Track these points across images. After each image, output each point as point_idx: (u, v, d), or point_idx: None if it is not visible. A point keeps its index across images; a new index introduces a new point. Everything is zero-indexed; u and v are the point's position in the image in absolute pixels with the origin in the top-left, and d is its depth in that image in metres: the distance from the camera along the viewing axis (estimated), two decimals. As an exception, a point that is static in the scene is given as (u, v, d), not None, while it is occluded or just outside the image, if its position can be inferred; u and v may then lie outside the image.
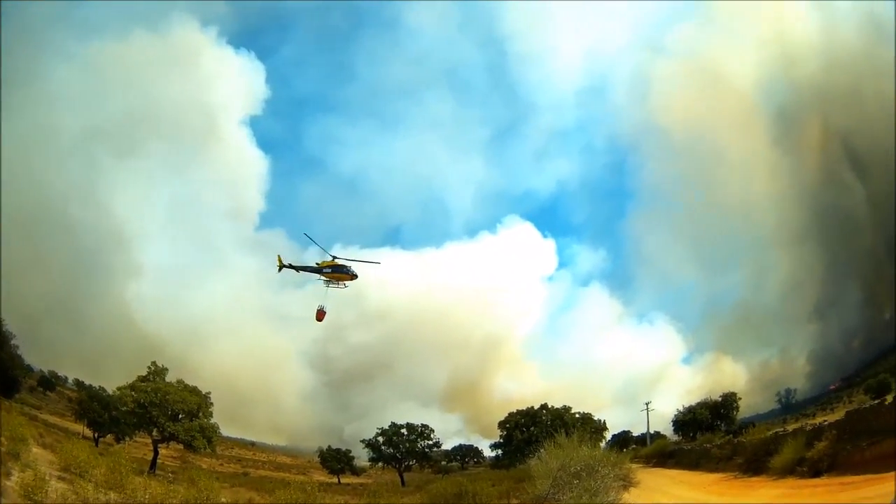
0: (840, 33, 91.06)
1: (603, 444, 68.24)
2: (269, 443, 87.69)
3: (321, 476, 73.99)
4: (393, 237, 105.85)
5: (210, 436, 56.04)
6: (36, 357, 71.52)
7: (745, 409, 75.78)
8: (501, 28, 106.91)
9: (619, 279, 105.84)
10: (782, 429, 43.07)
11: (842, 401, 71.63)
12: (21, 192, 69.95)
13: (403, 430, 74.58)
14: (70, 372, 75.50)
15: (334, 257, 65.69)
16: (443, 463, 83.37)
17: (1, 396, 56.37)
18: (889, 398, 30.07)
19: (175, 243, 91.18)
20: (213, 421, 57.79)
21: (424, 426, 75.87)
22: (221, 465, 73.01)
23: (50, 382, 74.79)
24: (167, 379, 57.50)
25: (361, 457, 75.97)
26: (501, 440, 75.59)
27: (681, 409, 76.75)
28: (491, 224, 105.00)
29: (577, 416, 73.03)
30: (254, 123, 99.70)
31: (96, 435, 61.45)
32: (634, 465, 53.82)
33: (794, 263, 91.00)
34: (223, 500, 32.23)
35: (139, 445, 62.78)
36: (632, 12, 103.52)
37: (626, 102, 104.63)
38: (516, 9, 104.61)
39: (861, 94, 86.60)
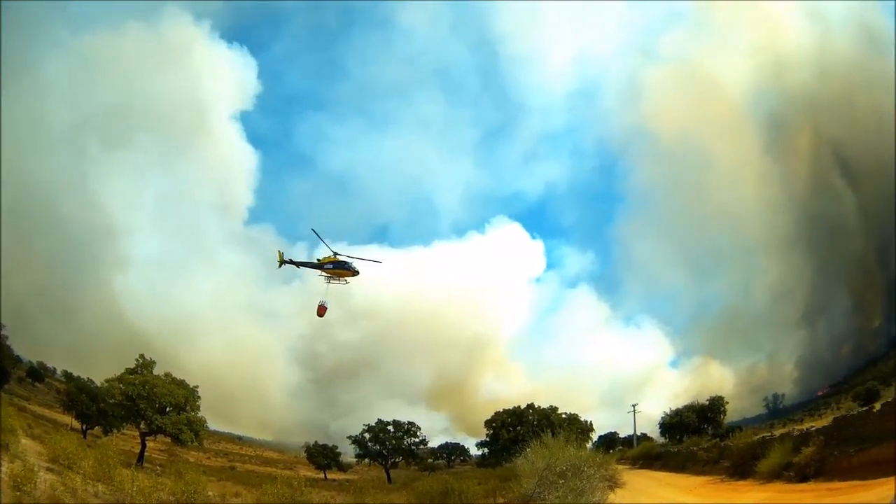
0: (833, 42, 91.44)
1: (589, 445, 68.55)
2: (256, 438, 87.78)
3: (308, 471, 73.98)
4: (381, 235, 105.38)
5: (197, 429, 55.83)
6: (24, 348, 71.58)
7: (732, 414, 75.91)
8: (493, 30, 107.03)
9: (606, 282, 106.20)
10: (770, 433, 43.42)
11: (830, 407, 72.30)
12: (10, 183, 69.62)
13: (390, 427, 74.54)
14: (58, 363, 75.32)
15: (336, 253, 65.77)
16: (429, 461, 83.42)
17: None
18: (877, 406, 30.22)
19: (163, 237, 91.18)
20: (200, 414, 57.70)
21: (411, 423, 75.93)
22: (209, 458, 72.85)
23: (38, 373, 74.54)
24: (155, 372, 57.40)
25: (348, 453, 76.00)
26: (488, 439, 75.69)
27: (668, 411, 76.80)
28: (479, 224, 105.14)
29: (563, 416, 73.22)
30: (244, 119, 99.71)
31: (84, 427, 61.14)
32: (620, 467, 54.32)
33: (783, 270, 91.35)
34: (210, 493, 32.31)
35: (127, 438, 62.75)
36: (624, 16, 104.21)
37: (617, 106, 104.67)
38: (508, 11, 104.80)
39: (853, 104, 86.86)
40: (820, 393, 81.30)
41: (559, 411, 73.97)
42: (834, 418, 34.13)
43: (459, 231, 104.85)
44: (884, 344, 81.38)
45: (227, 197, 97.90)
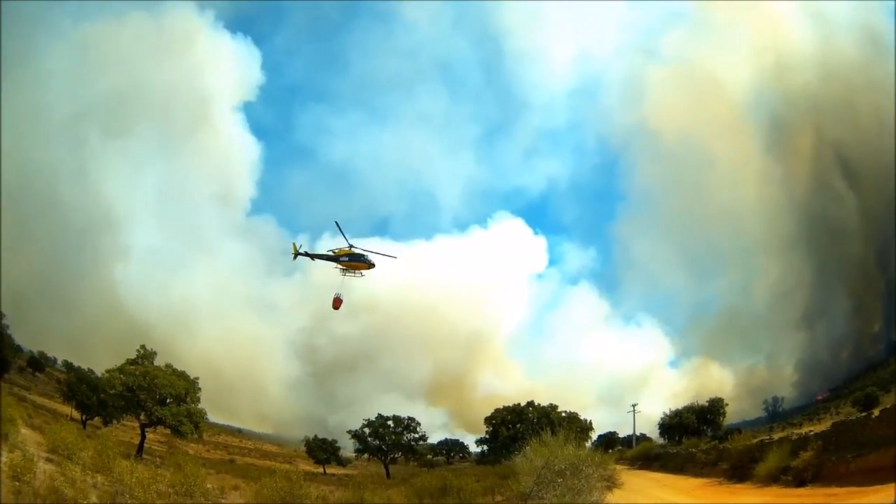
0: (836, 44, 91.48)
1: (588, 444, 68.48)
2: (256, 431, 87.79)
3: (307, 465, 73.93)
4: (381, 228, 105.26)
5: (197, 421, 55.82)
6: (25, 337, 71.57)
7: (731, 416, 75.91)
8: (496, 25, 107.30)
9: (607, 280, 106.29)
10: (768, 437, 43.33)
11: (829, 411, 72.25)
12: (11, 172, 69.51)
13: (390, 423, 74.47)
14: (58, 353, 75.36)
15: (352, 246, 65.70)
16: (428, 457, 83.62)
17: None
18: (876, 412, 30.16)
19: (164, 227, 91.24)
20: (200, 406, 57.69)
21: (411, 419, 75.83)
22: (208, 451, 73.00)
23: (39, 363, 74.58)
24: (155, 363, 57.33)
25: (347, 447, 76.04)
26: (487, 436, 75.64)
27: (667, 412, 76.80)
28: (481, 219, 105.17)
29: (563, 414, 73.12)
30: (246, 109, 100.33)
31: (84, 417, 61.25)
32: (619, 467, 54.30)
33: (783, 271, 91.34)
34: (209, 486, 32.32)
35: (126, 429, 62.83)
36: (626, 15, 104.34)
37: (618, 105, 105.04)
38: (511, 7, 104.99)
39: (855, 105, 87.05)
40: (819, 397, 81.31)
41: (559, 409, 73.90)
42: (832, 423, 34.10)
43: (461, 225, 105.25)
44: (883, 349, 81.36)
45: (228, 188, 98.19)
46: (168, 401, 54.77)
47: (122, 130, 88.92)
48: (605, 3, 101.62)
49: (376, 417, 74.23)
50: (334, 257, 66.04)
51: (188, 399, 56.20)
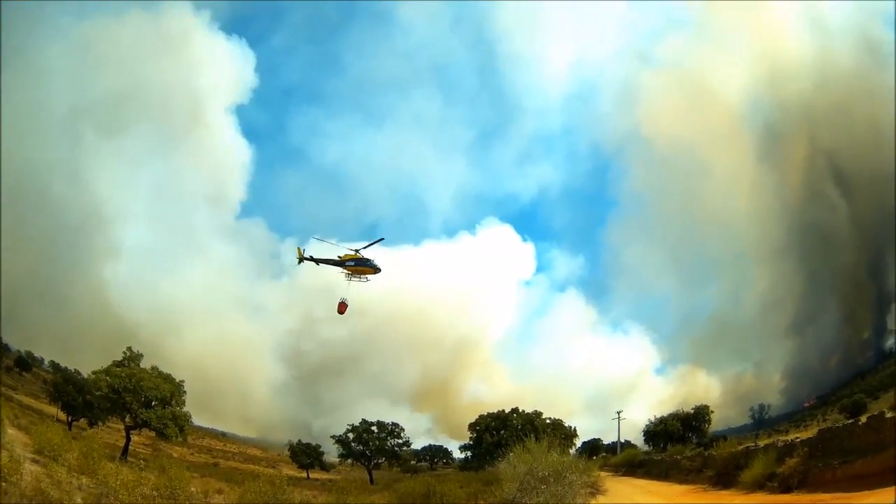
0: (833, 53, 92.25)
1: (573, 451, 68.90)
2: (240, 433, 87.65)
3: (290, 470, 74.27)
4: (371, 232, 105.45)
5: (182, 424, 55.73)
6: (13, 336, 71.31)
7: (717, 423, 76.66)
8: (493, 29, 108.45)
9: (596, 287, 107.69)
10: (754, 443, 43.25)
11: (815, 418, 72.72)
12: (7, 167, 69.50)
13: (374, 428, 74.83)
14: (46, 353, 75.17)
15: (356, 251, 65.90)
16: (412, 462, 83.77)
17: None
18: (863, 418, 30.33)
19: (155, 227, 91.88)
20: (185, 410, 57.65)
21: (395, 425, 76.16)
22: (192, 454, 72.94)
23: (26, 363, 74.41)
24: (141, 365, 57.19)
25: (331, 452, 76.22)
26: (471, 442, 75.94)
27: (652, 419, 77.41)
28: (470, 225, 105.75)
29: (547, 421, 73.64)
30: (240, 111, 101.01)
31: (70, 418, 61.19)
32: (603, 473, 54.49)
33: (773, 279, 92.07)
34: (193, 490, 32.41)
35: (111, 431, 62.62)
36: (624, 20, 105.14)
37: (613, 110, 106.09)
38: (508, 11, 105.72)
39: (851, 115, 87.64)
40: (806, 404, 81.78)
41: (543, 416, 74.38)
42: (819, 430, 33.81)
43: (450, 231, 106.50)
44: (872, 357, 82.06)
45: (220, 189, 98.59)
46: (153, 403, 54.64)
47: (118, 129, 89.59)
48: (603, 6, 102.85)
49: (360, 423, 74.50)
50: (340, 262, 66.21)
51: (173, 402, 56.07)
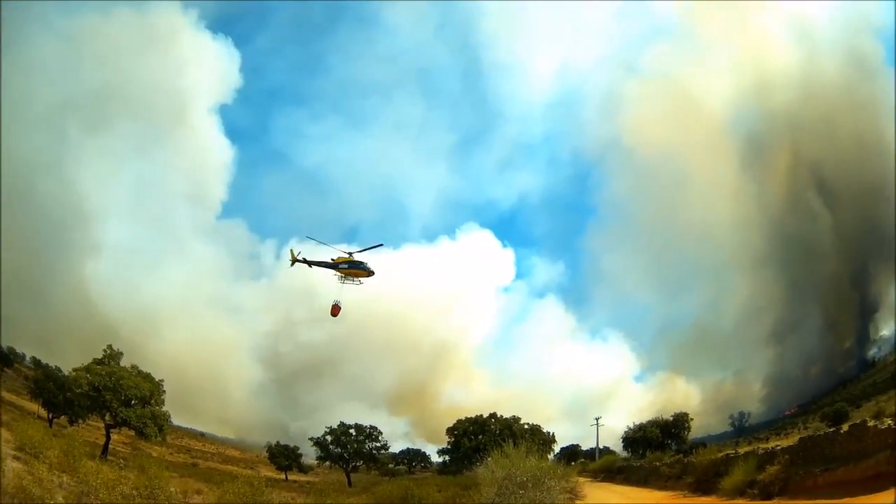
0: (820, 64, 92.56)
1: (551, 457, 69.15)
2: (218, 434, 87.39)
3: (269, 471, 74.02)
4: (350, 236, 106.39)
5: (161, 424, 55.77)
6: (-6, 331, 70.80)
7: (697, 430, 77.19)
8: (478, 34, 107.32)
9: (575, 294, 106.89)
10: (734, 451, 43.43)
11: (797, 427, 72.94)
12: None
13: (352, 431, 74.87)
14: (27, 348, 74.52)
15: (350, 253, 65.93)
16: (390, 466, 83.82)
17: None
18: (845, 427, 30.57)
19: (135, 225, 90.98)
20: (164, 409, 57.66)
21: (373, 428, 76.25)
22: (171, 454, 72.64)
23: (8, 359, 73.63)
24: (121, 363, 57.19)
25: (309, 455, 76.20)
26: (449, 446, 76.16)
27: (631, 426, 77.82)
28: (450, 230, 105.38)
29: (525, 426, 73.83)
30: (223, 111, 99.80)
31: (51, 416, 60.95)
32: (582, 479, 54.85)
33: (754, 288, 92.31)
34: (172, 489, 32.50)
35: (91, 429, 62.43)
36: (609, 28, 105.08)
37: (595, 118, 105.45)
38: (494, 16, 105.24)
39: (835, 126, 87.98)
40: (787, 412, 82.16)
41: (521, 422, 74.58)
42: (800, 438, 33.89)
43: (430, 236, 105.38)
44: (855, 366, 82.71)
45: (201, 189, 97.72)
46: (133, 402, 54.62)
47: (102, 125, 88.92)
48: (588, 14, 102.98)
49: (339, 425, 74.57)
50: (333, 265, 66.16)
51: (153, 401, 56.05)
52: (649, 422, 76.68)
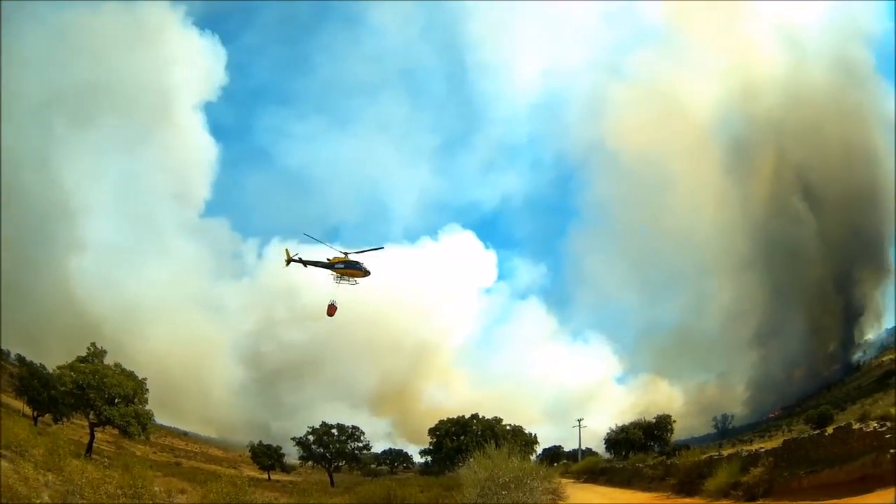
0: (807, 71, 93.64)
1: (533, 458, 69.37)
2: (201, 433, 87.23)
3: (251, 471, 74.13)
4: (332, 235, 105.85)
5: (145, 422, 55.55)
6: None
7: (680, 432, 77.51)
8: (463, 36, 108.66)
9: (557, 296, 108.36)
10: (717, 453, 43.64)
11: (780, 429, 72.95)
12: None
13: (334, 431, 74.80)
14: (12, 345, 74.15)
15: (346, 253, 66.04)
16: (372, 466, 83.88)
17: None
18: (830, 430, 30.76)
19: (119, 221, 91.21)
20: (147, 408, 57.52)
21: (355, 428, 76.25)
22: (155, 453, 72.52)
23: (-6, 356, 73.58)
24: (105, 361, 57.03)
25: (291, 454, 76.15)
26: (431, 447, 76.28)
27: (614, 427, 77.82)
28: (432, 231, 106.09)
29: (507, 428, 73.91)
30: (208, 109, 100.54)
31: (35, 413, 60.72)
32: (564, 480, 54.95)
33: (738, 291, 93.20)
34: (157, 488, 32.60)
35: (76, 427, 62.23)
36: (596, 32, 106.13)
37: (579, 122, 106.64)
38: (480, 18, 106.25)
39: (821, 131, 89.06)
40: (771, 415, 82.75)
41: (503, 423, 74.68)
42: (784, 440, 33.74)
43: (412, 236, 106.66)
44: (839, 369, 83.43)
45: (185, 187, 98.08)
46: (116, 401, 54.40)
47: (88, 121, 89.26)
48: (575, 18, 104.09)
49: (321, 425, 74.54)
50: (329, 265, 66.20)
51: (136, 400, 55.88)
52: (632, 423, 76.63)
